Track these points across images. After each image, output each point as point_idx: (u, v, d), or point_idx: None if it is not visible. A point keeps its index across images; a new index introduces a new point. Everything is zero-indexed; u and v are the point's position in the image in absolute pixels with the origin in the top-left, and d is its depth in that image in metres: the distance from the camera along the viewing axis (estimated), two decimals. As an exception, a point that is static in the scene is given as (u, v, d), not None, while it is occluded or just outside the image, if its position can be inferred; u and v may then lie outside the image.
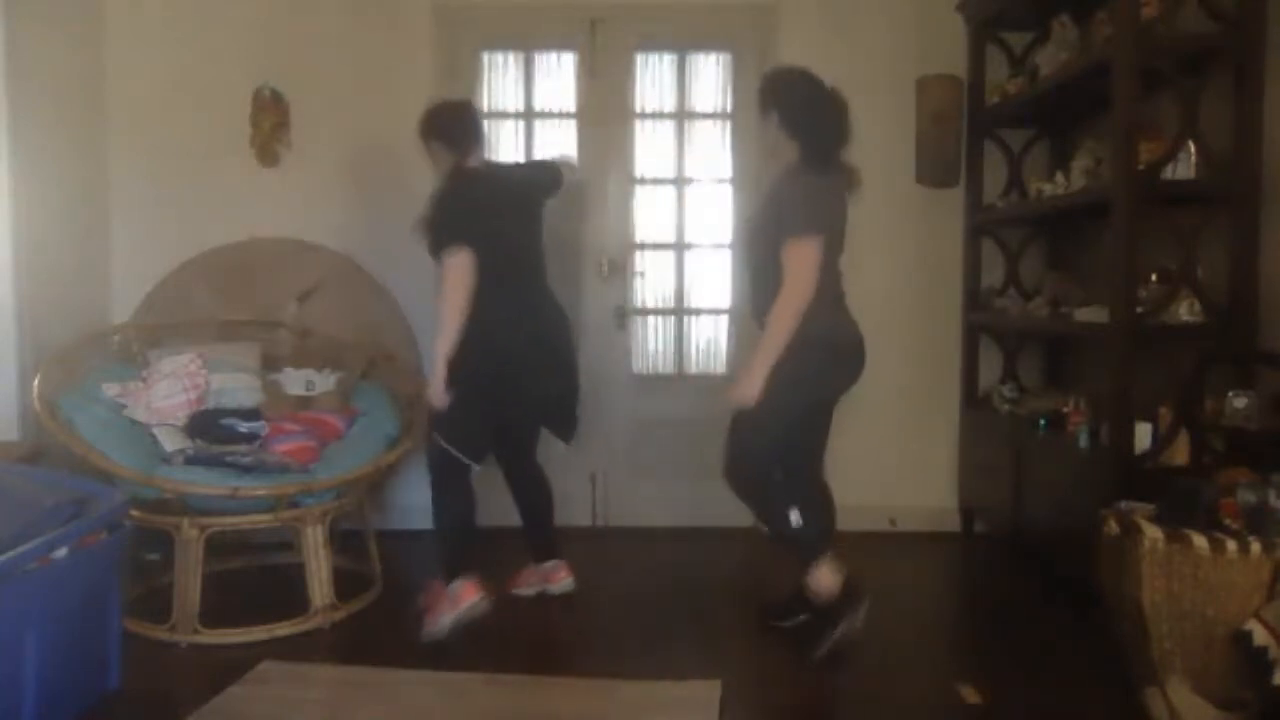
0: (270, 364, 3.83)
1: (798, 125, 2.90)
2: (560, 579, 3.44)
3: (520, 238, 3.25)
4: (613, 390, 4.40)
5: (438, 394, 3.06)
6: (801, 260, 2.81)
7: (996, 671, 2.85)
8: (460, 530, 3.16)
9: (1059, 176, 3.60)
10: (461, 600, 3.01)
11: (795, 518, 2.91)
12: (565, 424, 3.41)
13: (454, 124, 3.28)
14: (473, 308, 3.05)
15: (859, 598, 2.91)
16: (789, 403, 2.89)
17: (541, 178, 3.44)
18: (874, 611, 2.94)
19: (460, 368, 3.06)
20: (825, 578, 2.91)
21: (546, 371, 3.23)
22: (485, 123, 3.43)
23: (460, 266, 3.03)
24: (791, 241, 2.82)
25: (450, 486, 3.13)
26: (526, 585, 3.46)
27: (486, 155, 3.39)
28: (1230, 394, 2.85)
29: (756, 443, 2.93)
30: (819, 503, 3.13)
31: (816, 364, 2.89)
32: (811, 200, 2.86)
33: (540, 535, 3.49)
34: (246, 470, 3.16)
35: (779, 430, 2.93)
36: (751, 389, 2.83)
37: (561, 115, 4.41)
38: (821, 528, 3.05)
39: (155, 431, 3.36)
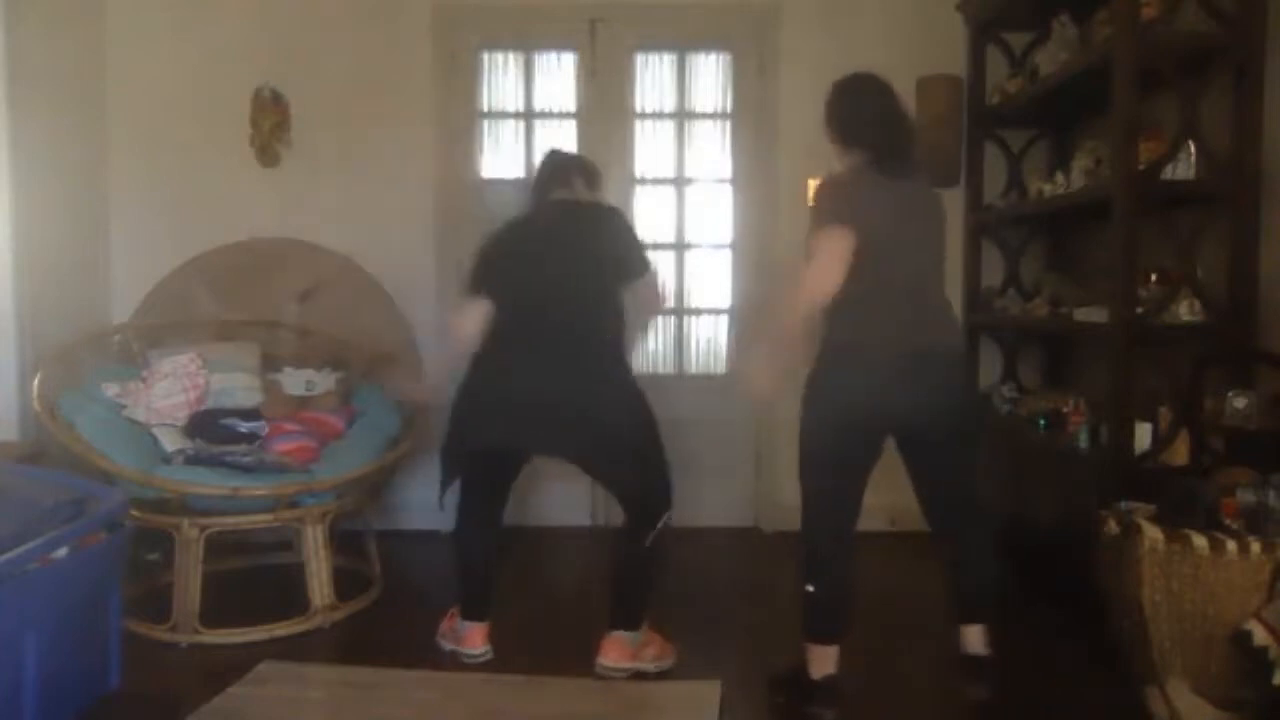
0: (270, 364, 3.83)
1: (847, 134, 2.63)
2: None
3: (550, 293, 2.81)
4: (613, 390, 4.40)
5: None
6: (813, 253, 2.48)
7: (996, 671, 2.84)
8: (457, 564, 3.00)
9: (1059, 176, 3.60)
10: (462, 642, 2.96)
11: (810, 586, 2.62)
12: (630, 504, 2.96)
13: (539, 168, 3.04)
14: (476, 353, 2.88)
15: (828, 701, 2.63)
16: (814, 435, 2.58)
17: (619, 252, 2.88)
18: (874, 611, 2.94)
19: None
20: (816, 662, 2.65)
21: (517, 435, 2.81)
22: (553, 164, 3.01)
23: (462, 315, 2.89)
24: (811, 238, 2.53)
25: (458, 513, 3.02)
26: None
27: (570, 196, 2.96)
28: (1230, 394, 2.84)
29: (802, 490, 2.64)
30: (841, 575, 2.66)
31: (837, 381, 2.54)
32: (833, 196, 2.54)
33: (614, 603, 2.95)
34: (246, 470, 3.16)
35: (815, 473, 2.60)
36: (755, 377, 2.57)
37: (561, 115, 4.41)
38: (831, 608, 2.65)
39: (155, 431, 3.36)
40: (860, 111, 2.62)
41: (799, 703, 2.65)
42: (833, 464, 2.58)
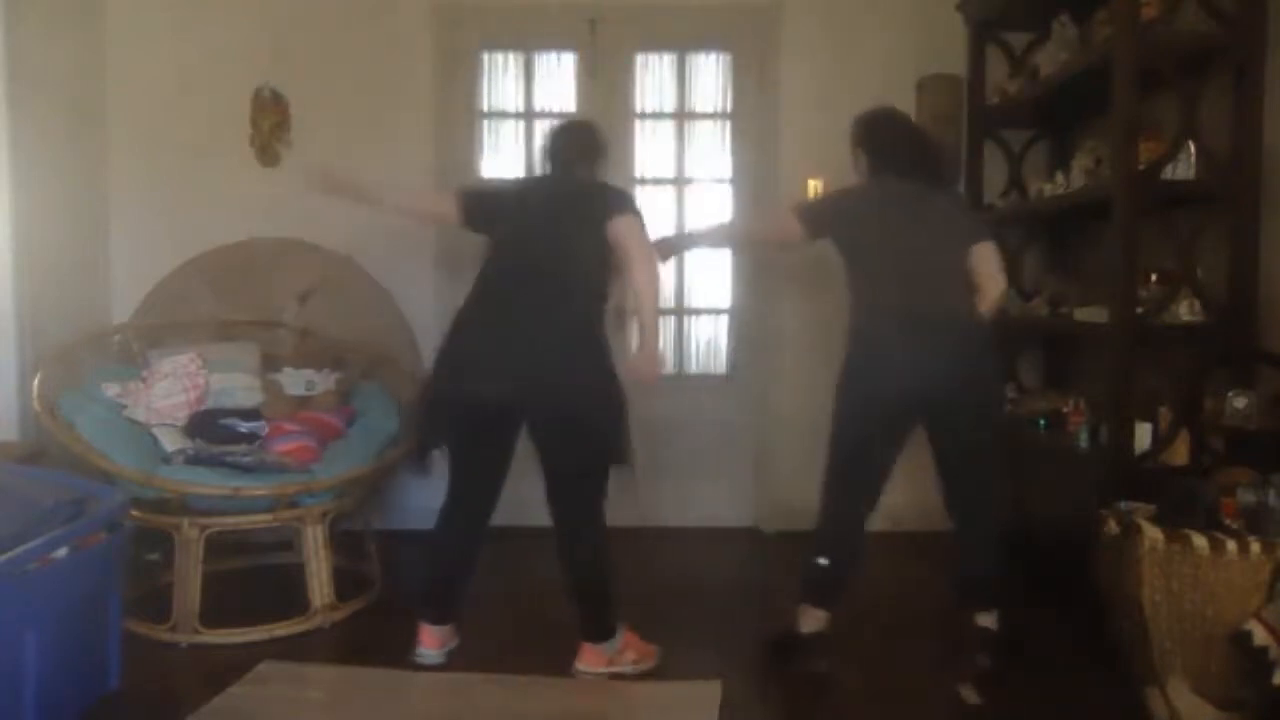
0: (270, 364, 3.82)
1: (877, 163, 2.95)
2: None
3: (536, 250, 2.80)
4: (613, 390, 4.40)
5: None
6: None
7: (996, 671, 2.84)
8: (425, 560, 2.99)
9: (1059, 176, 3.60)
10: (418, 643, 2.91)
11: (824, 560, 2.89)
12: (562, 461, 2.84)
13: (556, 137, 3.04)
14: (459, 313, 2.88)
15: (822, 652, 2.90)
16: (837, 418, 2.89)
17: (600, 203, 2.87)
18: (875, 611, 2.95)
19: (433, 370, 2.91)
20: (807, 620, 2.92)
21: (487, 387, 2.72)
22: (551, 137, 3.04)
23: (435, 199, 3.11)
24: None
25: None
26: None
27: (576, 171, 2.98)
28: (1230, 394, 2.85)
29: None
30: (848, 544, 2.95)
31: (848, 379, 2.88)
32: (827, 199, 3.02)
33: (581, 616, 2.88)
34: (247, 470, 3.16)
35: (834, 449, 2.91)
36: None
37: (561, 115, 4.41)
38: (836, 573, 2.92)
39: (155, 431, 3.36)
40: (892, 137, 2.97)
41: (794, 658, 2.89)
42: (858, 450, 2.86)
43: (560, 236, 2.80)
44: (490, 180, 3.01)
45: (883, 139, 2.97)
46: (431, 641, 2.90)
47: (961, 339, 2.80)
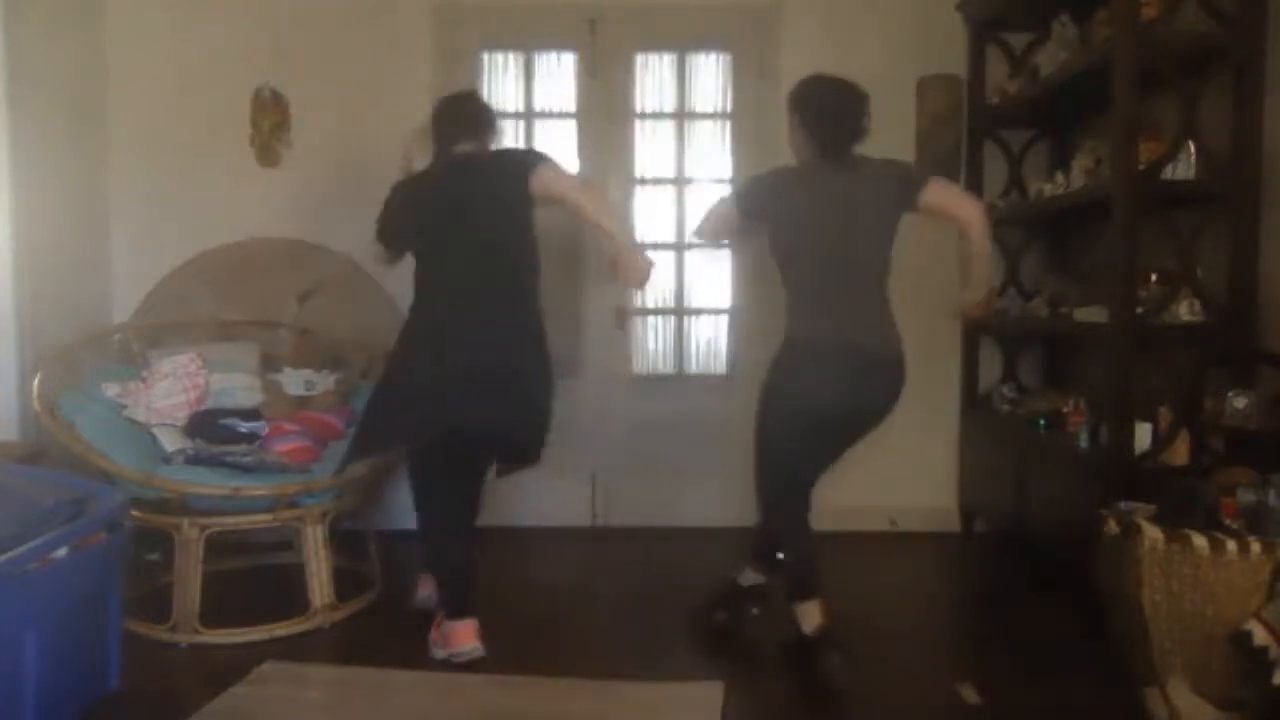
0: (270, 364, 3.83)
1: (808, 120, 2.88)
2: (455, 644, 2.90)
3: (485, 241, 2.86)
4: (613, 390, 4.40)
5: None
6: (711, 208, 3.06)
7: (996, 671, 2.85)
8: (439, 564, 3.00)
9: (1059, 176, 3.60)
10: (454, 642, 2.88)
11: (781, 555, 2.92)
12: (513, 456, 3.10)
13: (436, 114, 3.03)
14: (411, 316, 2.93)
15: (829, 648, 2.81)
16: (770, 410, 2.91)
17: (510, 169, 2.91)
18: (874, 611, 2.94)
19: (385, 375, 3.00)
20: (805, 618, 2.85)
21: (476, 400, 2.82)
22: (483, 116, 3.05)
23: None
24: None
25: (427, 504, 3.00)
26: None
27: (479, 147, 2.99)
28: (1230, 394, 2.85)
29: (759, 449, 2.94)
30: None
31: (792, 370, 2.84)
32: (758, 185, 2.93)
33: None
34: (247, 470, 3.16)
35: (770, 440, 2.93)
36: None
37: (561, 115, 4.41)
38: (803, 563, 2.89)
39: (155, 431, 3.36)
40: (825, 101, 2.86)
41: (806, 658, 2.80)
42: (794, 451, 2.85)
43: (492, 228, 2.85)
44: (391, 199, 2.98)
45: (816, 100, 2.88)
46: (469, 635, 2.89)
47: (893, 371, 2.84)
